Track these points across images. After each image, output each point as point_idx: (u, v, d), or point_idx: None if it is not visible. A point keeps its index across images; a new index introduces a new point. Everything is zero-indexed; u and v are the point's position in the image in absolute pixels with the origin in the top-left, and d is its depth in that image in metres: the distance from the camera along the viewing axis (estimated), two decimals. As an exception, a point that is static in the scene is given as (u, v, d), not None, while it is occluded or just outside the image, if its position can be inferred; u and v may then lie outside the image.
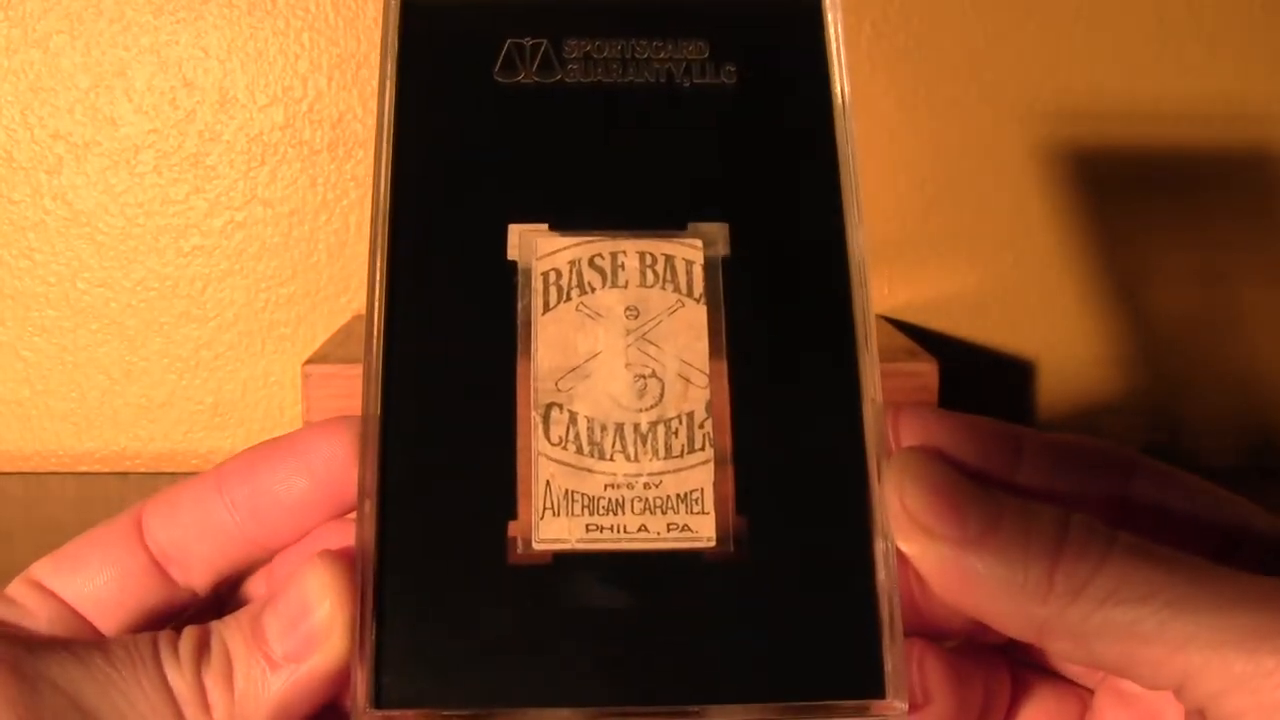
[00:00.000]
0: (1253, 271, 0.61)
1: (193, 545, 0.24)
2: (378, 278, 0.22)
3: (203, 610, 0.25)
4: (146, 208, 0.57)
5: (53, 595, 0.23)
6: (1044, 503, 0.22)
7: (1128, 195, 0.60)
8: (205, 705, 0.21)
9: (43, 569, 0.24)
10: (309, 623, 0.21)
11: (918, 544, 0.21)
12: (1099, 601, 0.20)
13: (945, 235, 0.60)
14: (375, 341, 0.22)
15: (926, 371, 0.48)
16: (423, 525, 0.21)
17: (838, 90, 0.24)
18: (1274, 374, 0.62)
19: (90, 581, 0.24)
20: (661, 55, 0.24)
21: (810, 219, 0.23)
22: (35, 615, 0.23)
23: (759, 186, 0.23)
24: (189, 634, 0.22)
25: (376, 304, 0.22)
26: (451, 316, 0.22)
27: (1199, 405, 0.62)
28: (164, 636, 0.22)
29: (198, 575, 0.24)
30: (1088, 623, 0.20)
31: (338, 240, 0.58)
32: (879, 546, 0.21)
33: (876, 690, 0.20)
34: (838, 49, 0.24)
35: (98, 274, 0.58)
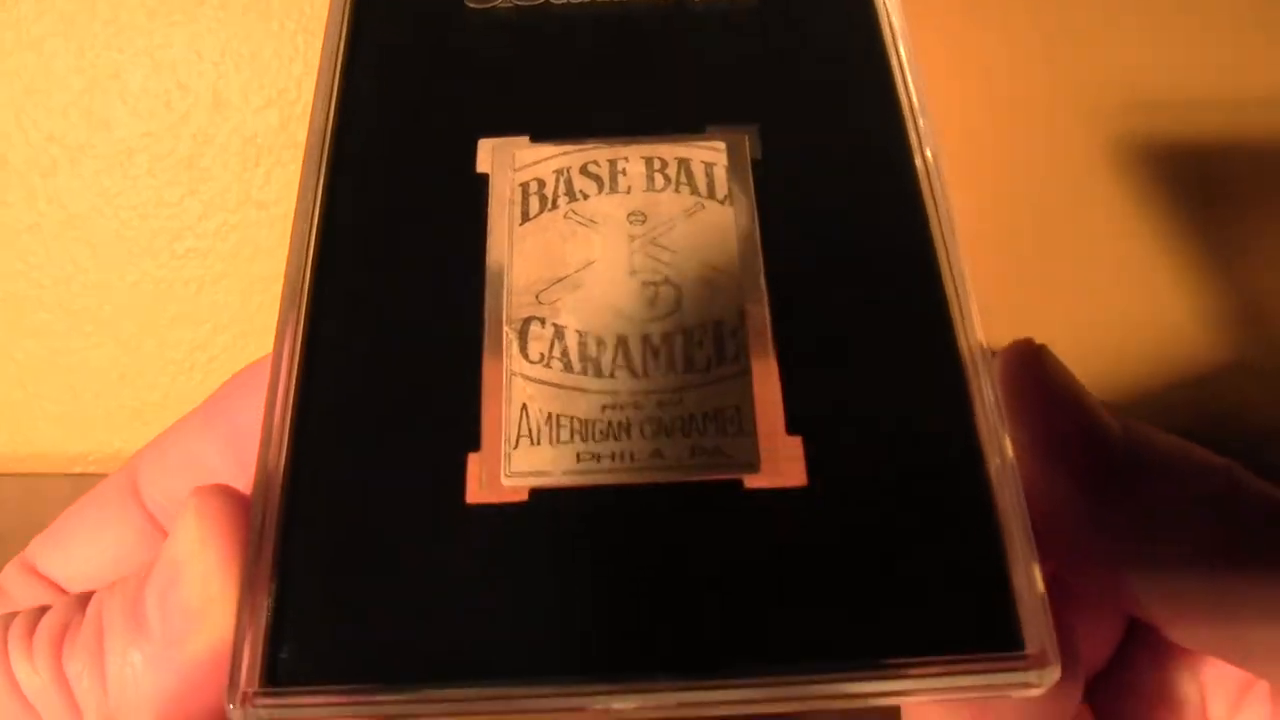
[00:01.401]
0: (1275, 274, 0.61)
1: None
2: (315, 196, 0.19)
3: None
4: (140, 210, 0.57)
5: (42, 578, 0.21)
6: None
7: (1132, 196, 0.60)
8: (71, 703, 0.16)
9: (36, 550, 0.22)
10: (181, 592, 0.16)
11: (1045, 475, 0.16)
12: (1237, 562, 0.15)
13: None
14: (303, 255, 0.18)
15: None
16: (347, 458, 0.16)
17: (882, 5, 0.21)
18: (1277, 375, 0.62)
19: (85, 555, 0.21)
20: None
21: (859, 115, 0.19)
22: (19, 603, 0.21)
23: (793, 92, 0.19)
24: (57, 608, 0.17)
25: (310, 220, 0.18)
26: (402, 232, 0.18)
27: (1201, 405, 0.62)
28: (21, 618, 0.17)
29: None
30: (1263, 626, 0.15)
31: (332, 242, 0.58)
32: (994, 465, 0.16)
33: (1012, 642, 0.15)
34: None
35: (92, 276, 0.58)
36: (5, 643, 0.17)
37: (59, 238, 0.57)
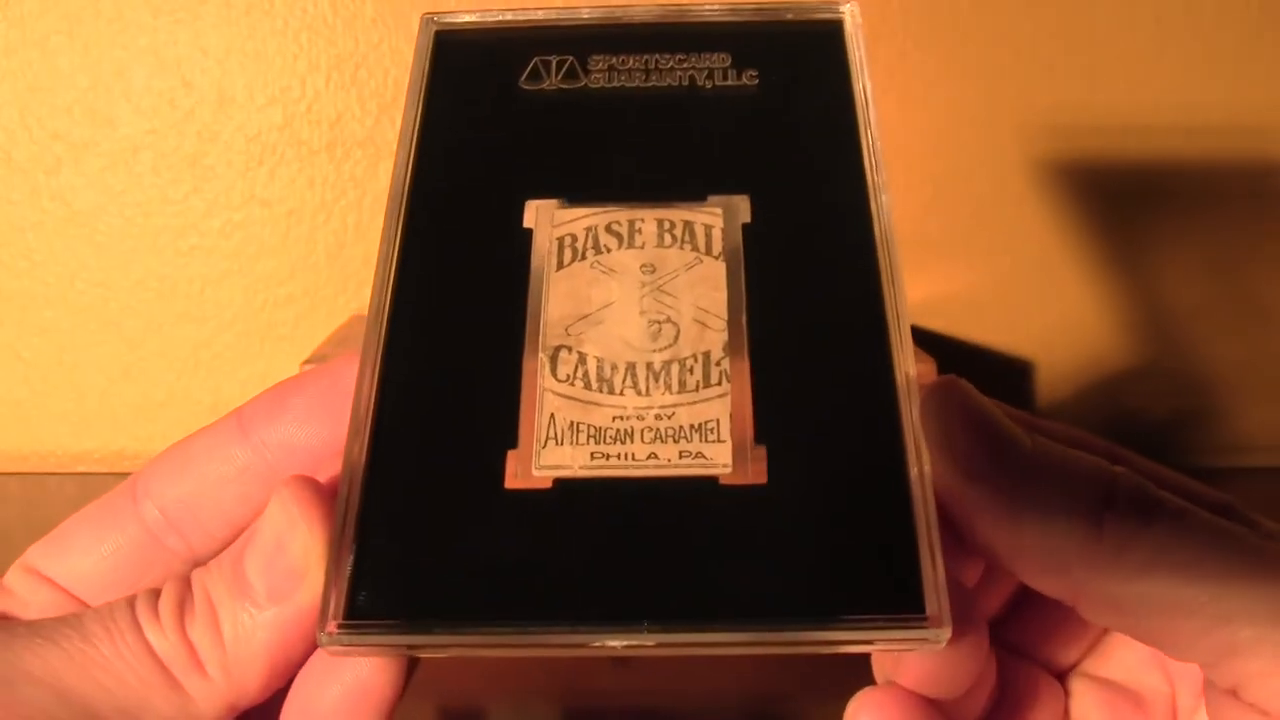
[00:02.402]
0: (1257, 272, 0.61)
1: (209, 497, 0.22)
2: (393, 245, 0.23)
3: None
4: (145, 208, 0.57)
5: (47, 580, 0.22)
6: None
7: (1127, 197, 0.60)
8: (196, 662, 0.20)
9: (37, 553, 0.23)
10: (286, 556, 0.20)
11: (954, 477, 0.20)
12: (1144, 565, 0.18)
13: (944, 236, 0.60)
14: (385, 285, 0.22)
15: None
16: (414, 451, 0.21)
17: (859, 88, 0.24)
18: (1276, 373, 0.62)
19: (83, 561, 0.22)
20: (684, 65, 0.25)
21: (832, 188, 0.23)
22: (27, 603, 0.22)
23: (781, 165, 0.24)
24: (169, 589, 0.21)
25: (390, 257, 0.22)
26: (463, 272, 0.22)
27: (1200, 405, 0.62)
28: (142, 598, 0.21)
29: (207, 534, 0.23)
30: (1128, 586, 0.19)
31: (336, 240, 0.58)
32: (914, 472, 0.20)
33: (915, 606, 0.19)
34: (860, 57, 0.25)
35: (96, 274, 0.58)
36: (137, 616, 0.20)
37: (63, 235, 0.57)
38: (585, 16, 0.26)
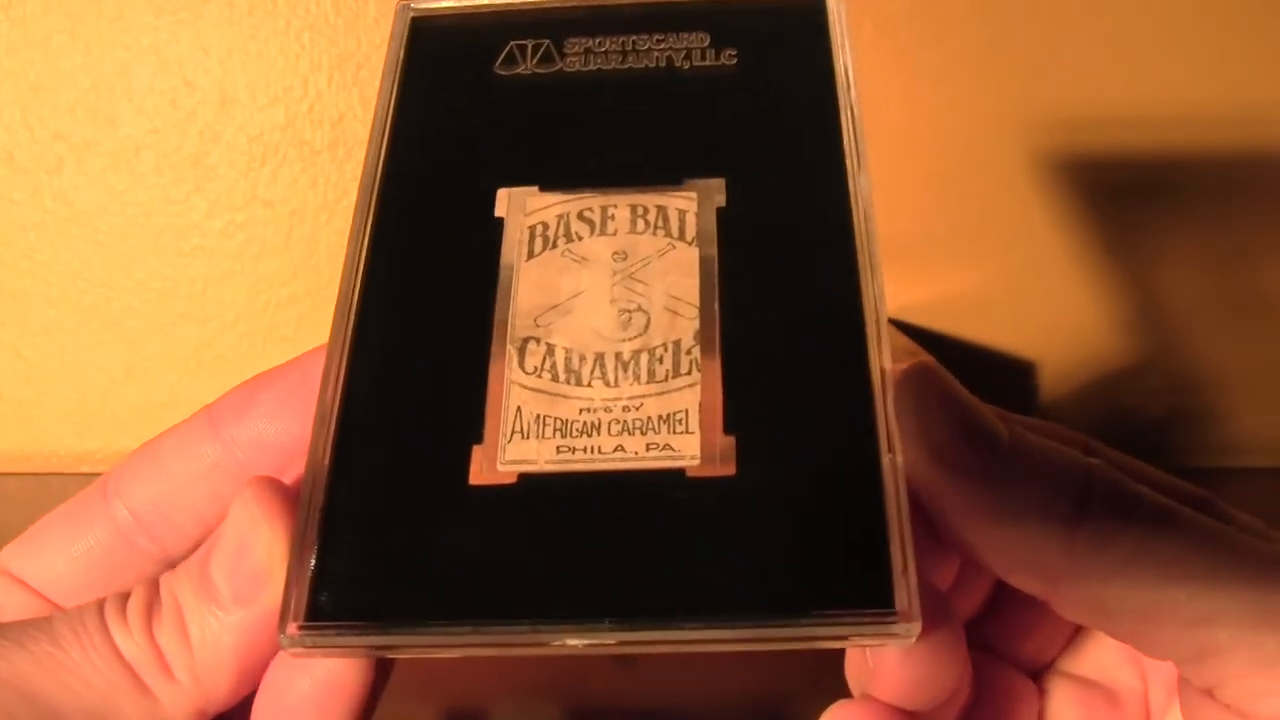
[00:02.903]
0: (1259, 274, 0.61)
1: (179, 496, 0.22)
2: (364, 232, 0.22)
3: None
4: (147, 207, 0.57)
5: (19, 582, 0.22)
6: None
7: (1132, 196, 0.60)
8: (164, 666, 0.20)
9: (10, 554, 0.23)
10: (249, 558, 0.20)
11: (930, 469, 0.19)
12: (1121, 563, 0.18)
13: (947, 236, 0.60)
14: (354, 276, 0.22)
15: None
16: (379, 448, 0.20)
17: (840, 66, 0.24)
18: (1277, 375, 0.62)
19: (55, 562, 0.22)
20: (661, 45, 0.24)
21: (810, 172, 0.23)
22: (1, 605, 0.22)
23: (758, 149, 0.23)
24: (138, 592, 0.21)
25: (360, 247, 0.22)
26: (433, 262, 0.22)
27: (1202, 406, 0.62)
28: (110, 601, 0.21)
29: (180, 533, 0.23)
30: (1107, 584, 0.18)
31: (339, 241, 0.58)
32: (886, 461, 0.20)
33: (884, 601, 0.18)
34: (841, 34, 0.24)
35: (98, 274, 0.58)
36: (105, 620, 0.20)
37: (65, 235, 0.57)
38: (562, 1, 0.25)
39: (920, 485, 0.20)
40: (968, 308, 0.61)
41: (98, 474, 0.59)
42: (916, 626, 0.18)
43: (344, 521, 0.20)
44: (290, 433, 0.22)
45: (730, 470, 0.20)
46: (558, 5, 0.25)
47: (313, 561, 0.19)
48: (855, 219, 0.22)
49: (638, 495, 0.20)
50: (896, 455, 0.19)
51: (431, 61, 0.25)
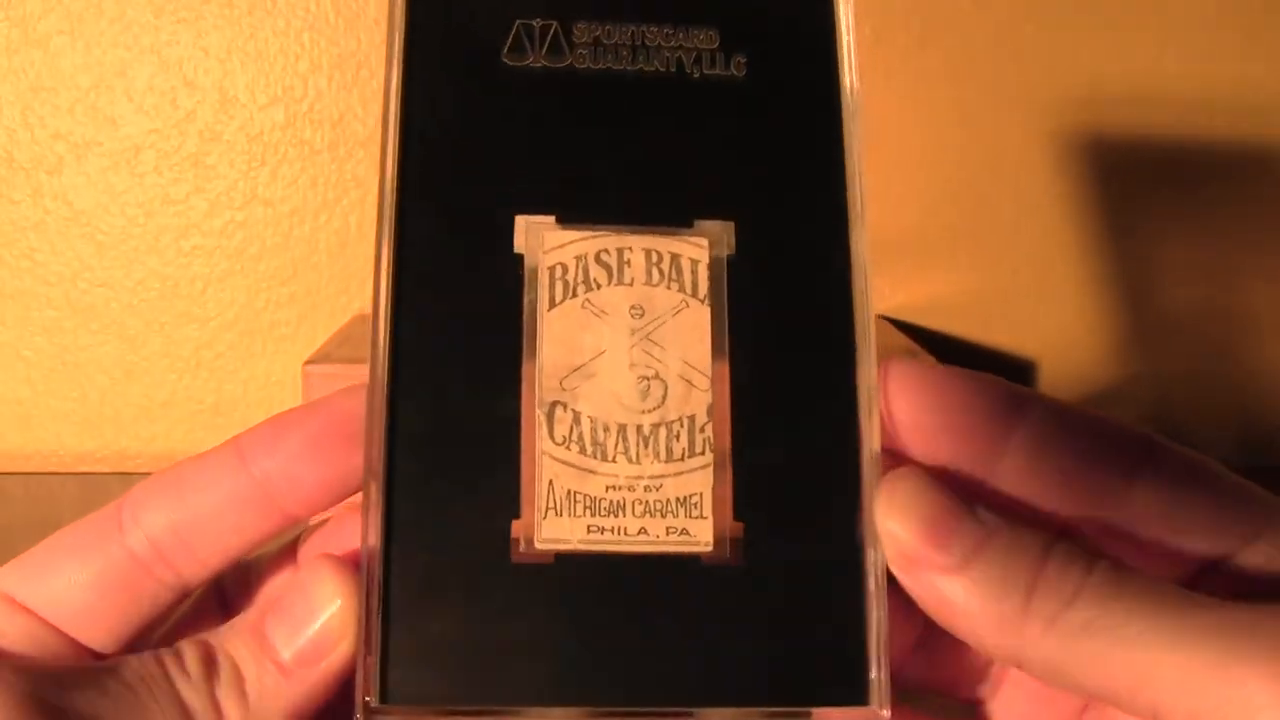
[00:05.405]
0: (1257, 270, 0.61)
1: (202, 526, 0.22)
2: (384, 265, 0.22)
3: (197, 612, 0.24)
4: (147, 207, 0.57)
5: (22, 609, 0.22)
6: (1033, 509, 0.22)
7: (1130, 196, 0.60)
8: (221, 718, 0.21)
9: (10, 577, 0.22)
10: (319, 625, 0.21)
11: (901, 570, 0.21)
12: (1072, 633, 0.20)
13: (946, 235, 0.60)
14: (381, 333, 0.22)
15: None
16: (429, 523, 0.21)
17: (847, 86, 0.24)
18: (1277, 372, 0.62)
19: (64, 589, 0.22)
20: (672, 43, 0.24)
21: (812, 220, 0.23)
22: (4, 631, 0.22)
23: (765, 184, 0.23)
24: (191, 650, 0.22)
25: (383, 293, 0.22)
26: (458, 309, 0.22)
27: (1201, 404, 0.62)
28: (167, 655, 0.22)
29: (199, 563, 0.23)
30: (1062, 654, 0.20)
31: (338, 240, 0.58)
32: (869, 556, 0.22)
33: (860, 698, 0.21)
34: (848, 43, 0.24)
35: (98, 274, 0.58)
36: (168, 671, 0.21)
37: (65, 235, 0.57)
38: None
39: (897, 569, 0.22)
40: (968, 308, 0.61)
41: (97, 474, 0.59)
42: (887, 713, 0.21)
43: (404, 601, 0.21)
44: (321, 475, 0.22)
45: (738, 559, 0.21)
46: None
47: (379, 639, 0.21)
48: (855, 285, 0.23)
49: (660, 580, 0.21)
50: (879, 553, 0.21)
51: (435, 39, 0.23)
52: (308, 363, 0.46)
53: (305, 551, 0.24)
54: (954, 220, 0.60)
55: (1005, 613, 0.20)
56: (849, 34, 0.24)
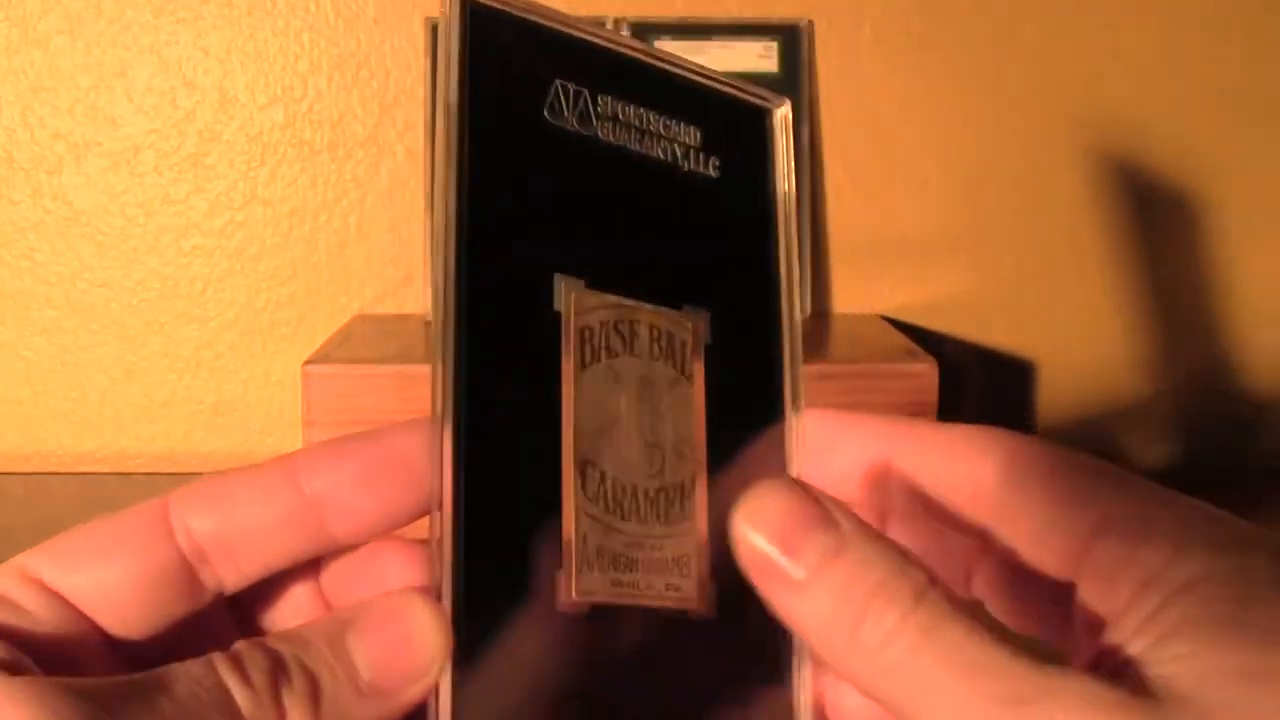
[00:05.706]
0: (1257, 270, 0.61)
1: (248, 537, 0.23)
2: (449, 311, 0.23)
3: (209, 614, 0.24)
4: (147, 207, 0.57)
5: (55, 594, 0.22)
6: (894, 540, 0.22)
7: (1130, 196, 0.60)
8: None
9: (39, 562, 0.22)
10: (413, 656, 0.21)
11: (755, 579, 0.22)
12: (886, 671, 0.21)
13: (946, 236, 0.60)
14: (441, 391, 0.23)
15: (926, 372, 0.48)
16: (491, 571, 0.23)
17: (781, 192, 0.27)
18: (1275, 375, 0.62)
19: (100, 579, 0.22)
20: (669, 134, 0.26)
21: (759, 307, 0.27)
22: (37, 617, 0.22)
23: (729, 274, 0.27)
24: (253, 655, 0.21)
25: (449, 340, 0.23)
26: (510, 359, 0.24)
27: (1201, 405, 0.62)
28: (222, 663, 0.21)
29: (238, 571, 0.23)
30: (878, 686, 0.21)
31: (338, 240, 0.58)
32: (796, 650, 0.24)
33: None
34: (785, 155, 0.27)
35: (98, 274, 0.58)
36: (221, 677, 0.21)
37: (65, 235, 0.58)
38: (599, 39, 0.26)
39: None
40: (968, 308, 0.61)
41: (97, 474, 0.59)
42: None
43: (471, 648, 0.22)
44: (373, 505, 0.23)
45: (713, 615, 0.24)
46: (598, 41, 0.26)
47: (450, 686, 0.22)
48: (786, 386, 0.26)
49: (661, 630, 0.24)
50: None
51: (493, 77, 0.24)
52: (307, 363, 0.46)
53: (332, 575, 0.24)
54: (954, 221, 0.60)
55: (834, 639, 0.21)
56: (787, 148, 0.27)
